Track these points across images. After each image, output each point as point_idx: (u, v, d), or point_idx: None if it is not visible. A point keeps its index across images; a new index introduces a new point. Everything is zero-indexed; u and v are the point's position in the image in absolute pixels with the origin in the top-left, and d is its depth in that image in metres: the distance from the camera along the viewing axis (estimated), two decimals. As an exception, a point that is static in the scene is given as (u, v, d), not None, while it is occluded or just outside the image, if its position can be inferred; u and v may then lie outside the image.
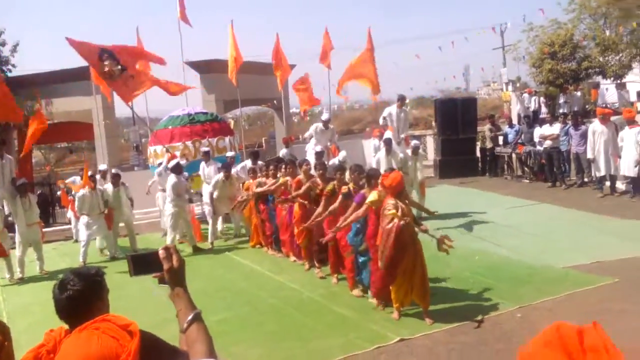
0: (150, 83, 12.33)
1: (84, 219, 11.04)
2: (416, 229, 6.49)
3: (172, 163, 11.40)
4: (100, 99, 18.35)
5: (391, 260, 6.26)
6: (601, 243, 8.94)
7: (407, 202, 6.62)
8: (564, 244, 9.12)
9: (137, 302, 7.41)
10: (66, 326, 2.33)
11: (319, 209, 7.89)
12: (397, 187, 6.35)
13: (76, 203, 11.17)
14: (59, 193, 16.49)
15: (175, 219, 10.92)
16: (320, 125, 13.62)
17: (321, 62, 16.99)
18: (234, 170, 11.90)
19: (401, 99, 12.87)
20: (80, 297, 2.32)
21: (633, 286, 6.89)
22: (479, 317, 6.29)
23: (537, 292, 7.01)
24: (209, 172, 12.32)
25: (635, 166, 11.71)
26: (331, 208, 7.54)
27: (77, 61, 12.55)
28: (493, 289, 7.20)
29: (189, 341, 1.93)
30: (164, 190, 11.64)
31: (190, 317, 1.95)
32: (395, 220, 6.11)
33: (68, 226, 14.44)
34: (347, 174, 8.04)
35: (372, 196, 6.63)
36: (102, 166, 14.03)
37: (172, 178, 10.97)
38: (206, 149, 13.11)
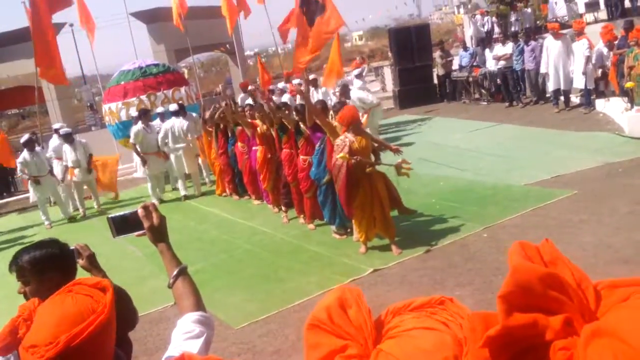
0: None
1: (32, 182, 10.69)
2: (370, 164, 6.47)
3: (140, 112, 11.22)
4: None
5: (347, 198, 6.42)
6: (559, 157, 9.21)
7: (364, 136, 6.48)
8: (524, 162, 9.37)
9: (113, 262, 7.43)
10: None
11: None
12: (347, 120, 6.30)
13: (18, 168, 10.85)
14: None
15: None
16: None
17: (259, 2, 16.68)
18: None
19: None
20: (50, 259, 2.27)
21: (590, 197, 7.18)
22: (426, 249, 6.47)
23: (502, 211, 7.25)
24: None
25: (582, 77, 11.96)
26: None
27: (15, 23, 12.23)
28: (459, 212, 7.43)
29: (175, 296, 1.94)
30: None
31: (175, 273, 1.96)
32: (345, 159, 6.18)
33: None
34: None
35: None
36: (57, 125, 13.29)
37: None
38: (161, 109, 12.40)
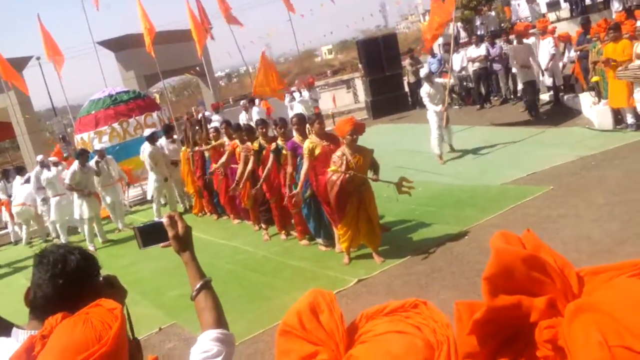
0: None
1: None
2: (369, 178, 6.40)
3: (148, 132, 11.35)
4: (15, 95, 17.50)
5: (338, 212, 6.43)
6: (533, 155, 9.31)
7: (362, 154, 6.32)
8: (500, 162, 9.46)
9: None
10: None
11: (241, 167, 8.24)
12: (343, 129, 6.22)
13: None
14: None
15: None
16: None
17: (228, 22, 16.76)
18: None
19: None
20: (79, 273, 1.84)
21: (567, 191, 7.26)
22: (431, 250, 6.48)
23: (481, 211, 7.29)
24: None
25: (548, 74, 12.17)
26: (266, 170, 7.61)
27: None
28: (439, 217, 7.46)
29: (197, 310, 1.94)
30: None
31: (198, 285, 1.96)
32: (340, 174, 6.14)
33: (5, 230, 13.94)
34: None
35: (305, 145, 6.68)
36: (39, 157, 13.05)
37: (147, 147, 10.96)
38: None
